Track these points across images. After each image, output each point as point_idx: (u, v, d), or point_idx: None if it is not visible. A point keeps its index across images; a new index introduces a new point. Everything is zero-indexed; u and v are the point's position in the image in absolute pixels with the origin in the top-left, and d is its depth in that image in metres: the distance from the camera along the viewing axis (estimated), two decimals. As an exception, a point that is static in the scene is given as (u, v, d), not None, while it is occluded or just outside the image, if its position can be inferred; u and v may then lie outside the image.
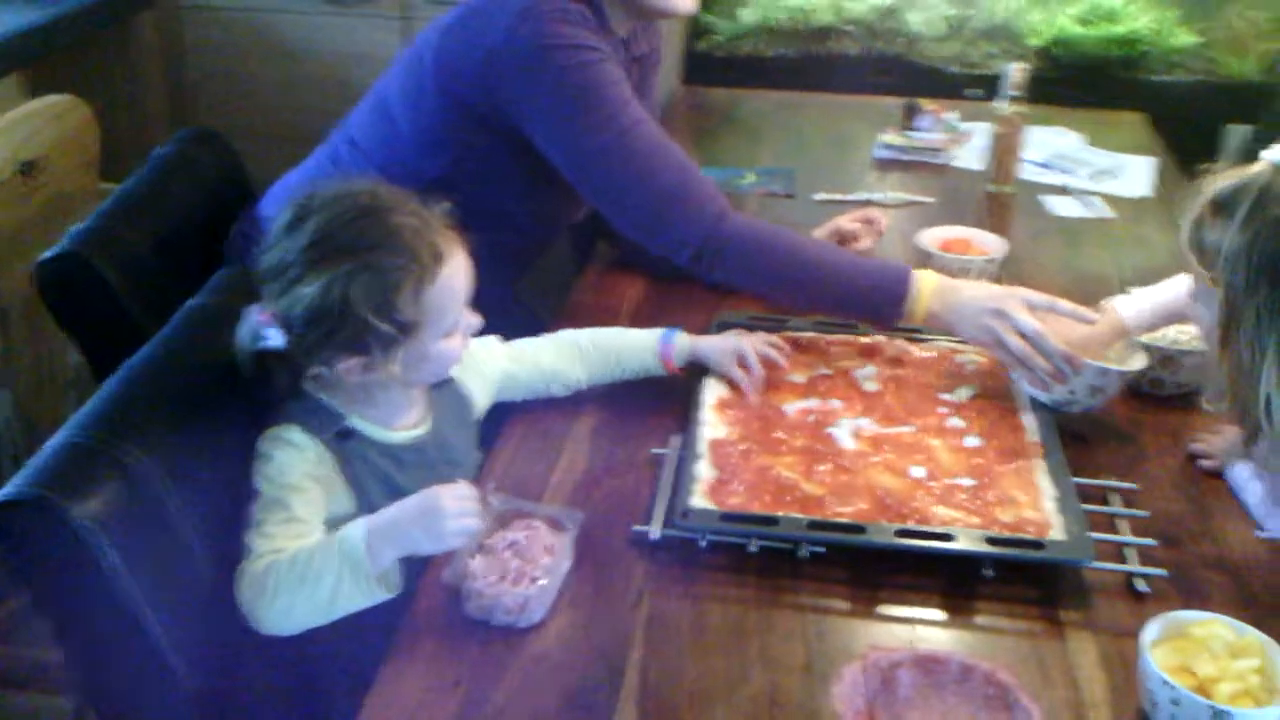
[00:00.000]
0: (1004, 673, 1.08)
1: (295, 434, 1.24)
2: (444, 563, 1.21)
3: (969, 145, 2.45)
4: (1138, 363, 1.49)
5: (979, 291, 1.53)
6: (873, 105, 2.72)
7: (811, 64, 2.97)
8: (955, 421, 1.46)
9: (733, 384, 1.51)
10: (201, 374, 1.31)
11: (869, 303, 1.57)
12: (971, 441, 1.42)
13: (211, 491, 1.24)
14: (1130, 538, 1.30)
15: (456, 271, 1.25)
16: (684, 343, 1.52)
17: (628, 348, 1.53)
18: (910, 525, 1.26)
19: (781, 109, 2.75)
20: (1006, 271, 1.89)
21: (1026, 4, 2.90)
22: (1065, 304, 1.50)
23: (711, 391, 1.50)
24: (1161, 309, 1.50)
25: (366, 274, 1.18)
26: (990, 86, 2.91)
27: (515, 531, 1.24)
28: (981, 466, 1.37)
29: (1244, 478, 1.38)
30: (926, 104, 2.54)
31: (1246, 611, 1.18)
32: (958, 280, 1.58)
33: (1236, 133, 2.96)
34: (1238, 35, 2.87)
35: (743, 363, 1.50)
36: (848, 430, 1.43)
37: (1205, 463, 1.43)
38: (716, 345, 1.52)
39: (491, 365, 1.48)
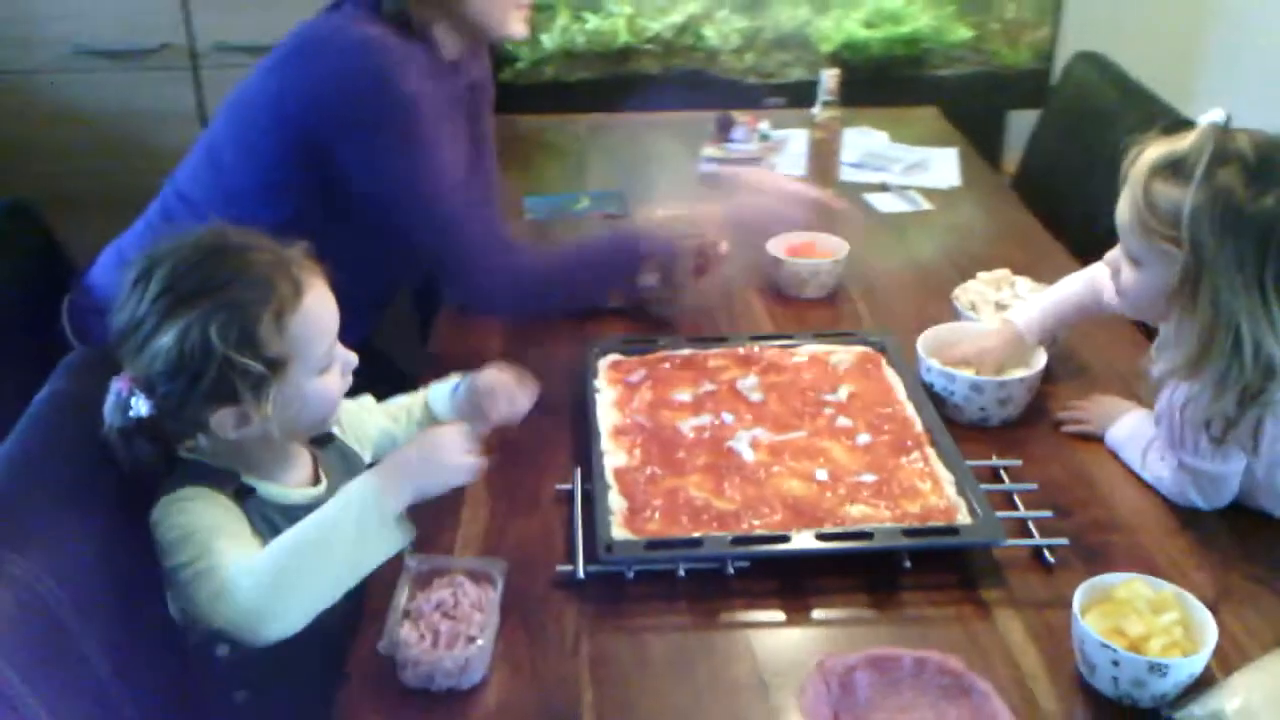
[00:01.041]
0: (953, 660, 1.10)
1: (194, 490, 1.16)
2: (371, 636, 1.16)
3: (785, 152, 2.52)
4: (1038, 364, 1.55)
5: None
6: (684, 121, 2.76)
7: (615, 85, 2.99)
8: (844, 421, 1.49)
9: (622, 406, 1.51)
10: (71, 464, 1.20)
11: (630, 267, 1.72)
12: (863, 438, 1.45)
13: (100, 586, 1.14)
14: (1028, 512, 1.35)
15: (320, 301, 1.19)
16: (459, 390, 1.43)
17: (443, 391, 1.45)
18: (829, 529, 1.28)
19: (595, 132, 2.75)
20: (849, 270, 1.95)
21: (813, 13, 3.00)
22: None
23: (605, 418, 1.49)
24: (1052, 312, 1.58)
25: (223, 312, 1.12)
26: (790, 95, 3.03)
27: (439, 591, 1.19)
28: (879, 461, 1.41)
29: (1124, 435, 1.45)
30: (738, 116, 2.60)
31: (1147, 566, 1.25)
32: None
33: (1019, 119, 3.16)
34: (1009, 26, 3.06)
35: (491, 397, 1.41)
36: (746, 442, 1.44)
37: (1075, 427, 1.51)
38: (472, 390, 1.41)
39: (370, 424, 1.42)
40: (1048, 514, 1.35)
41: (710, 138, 2.57)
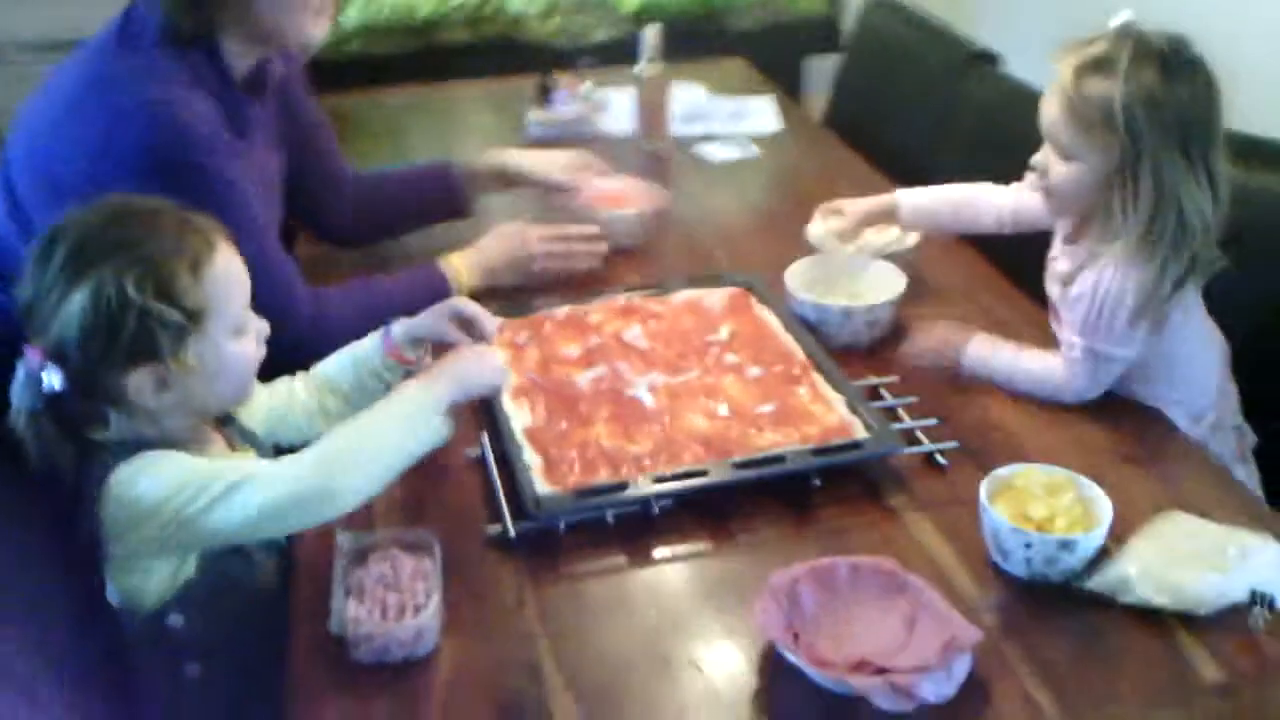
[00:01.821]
0: (885, 562, 1.17)
1: (148, 455, 1.12)
2: (308, 620, 1.14)
3: (610, 111, 2.56)
4: (899, 285, 1.63)
5: (497, 247, 1.75)
6: (500, 89, 2.76)
7: (424, 57, 2.96)
8: (731, 358, 1.54)
9: (514, 367, 1.51)
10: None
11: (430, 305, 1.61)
12: (754, 371, 1.51)
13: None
14: (914, 422, 1.44)
15: (231, 258, 1.18)
16: (399, 329, 1.42)
17: (357, 355, 1.42)
18: (744, 458, 1.34)
19: (411, 107, 2.71)
20: (701, 218, 2.00)
21: (609, -28, 3.05)
22: (573, 229, 1.80)
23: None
24: (936, 199, 1.74)
25: (139, 265, 1.10)
26: (599, 55, 3.07)
27: (376, 565, 1.18)
28: (772, 391, 1.47)
29: (986, 351, 1.53)
30: (559, 79, 2.61)
31: (1030, 458, 1.35)
32: (477, 245, 1.76)
33: (811, 65, 3.30)
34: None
35: (458, 321, 1.42)
36: (644, 388, 1.48)
37: (928, 360, 1.55)
38: (429, 313, 1.43)
39: (255, 405, 1.38)
40: (932, 421, 1.44)
41: (532, 102, 2.57)
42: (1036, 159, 1.48)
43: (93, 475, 1.11)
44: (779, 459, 1.33)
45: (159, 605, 1.15)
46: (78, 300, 1.09)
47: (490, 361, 1.30)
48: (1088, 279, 1.42)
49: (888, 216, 1.77)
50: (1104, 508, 1.21)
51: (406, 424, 1.18)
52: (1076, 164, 1.42)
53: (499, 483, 1.34)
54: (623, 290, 1.72)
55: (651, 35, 2.28)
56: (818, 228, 1.83)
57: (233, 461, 1.19)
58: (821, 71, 3.30)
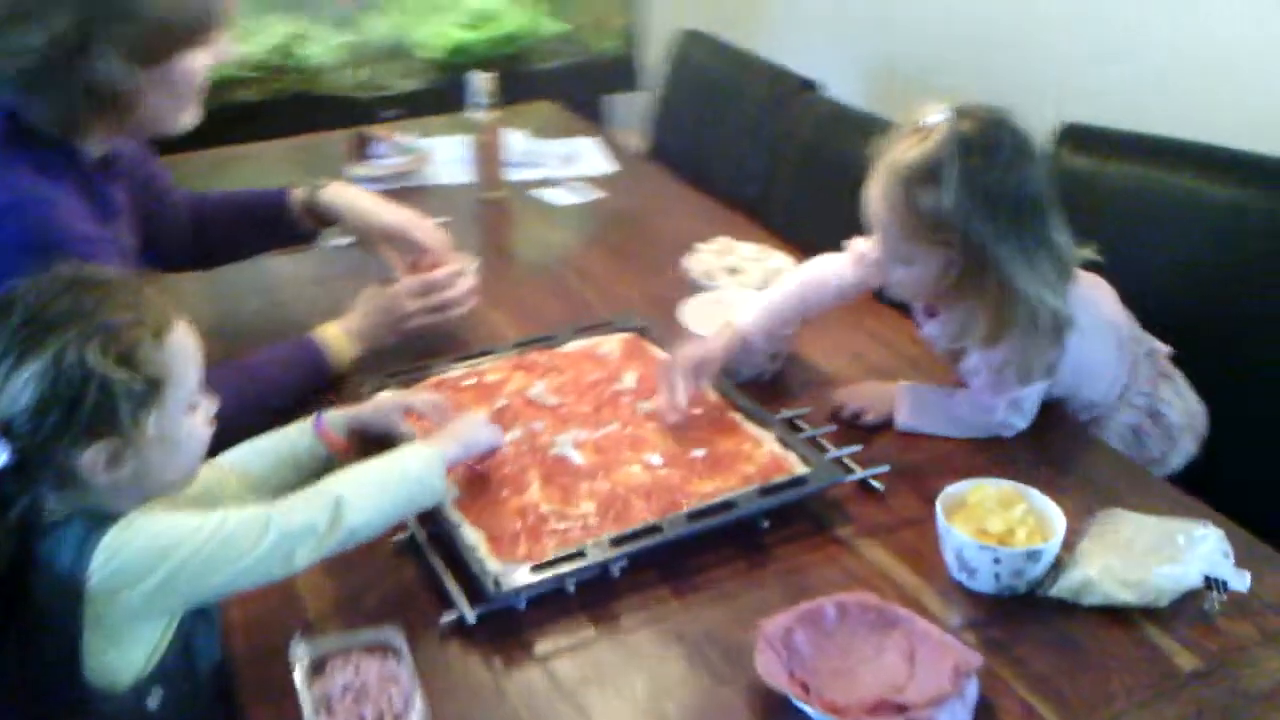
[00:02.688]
0: (868, 597, 1.16)
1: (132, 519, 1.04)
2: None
3: (438, 161, 2.48)
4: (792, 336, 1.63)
5: (367, 311, 1.65)
6: (307, 146, 2.63)
7: (221, 119, 2.78)
8: (645, 405, 1.51)
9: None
10: None
11: (309, 381, 1.58)
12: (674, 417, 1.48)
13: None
14: (840, 450, 1.44)
15: (188, 332, 1.11)
16: (337, 415, 1.38)
17: (278, 443, 1.34)
18: (696, 506, 1.30)
19: (220, 168, 2.54)
20: (562, 264, 1.96)
21: (407, 20, 2.96)
22: (439, 274, 1.69)
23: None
24: (773, 311, 1.58)
25: (100, 332, 1.02)
26: (404, 105, 2.98)
27: (340, 674, 1.08)
28: (698, 435, 1.44)
29: (913, 410, 1.51)
30: (375, 131, 2.52)
31: (959, 471, 1.38)
32: (347, 314, 1.65)
33: (619, 100, 3.31)
34: (598, 17, 3.19)
35: (411, 414, 1.42)
36: (569, 445, 1.42)
37: (868, 419, 1.52)
38: (377, 405, 1.42)
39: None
40: (857, 448, 1.45)
41: (348, 157, 2.47)
42: (873, 257, 1.47)
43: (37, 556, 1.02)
44: (729, 504, 1.31)
45: (136, 683, 1.05)
46: (33, 369, 1.00)
47: (483, 423, 1.36)
48: (973, 358, 1.44)
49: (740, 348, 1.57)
50: (1056, 515, 1.24)
51: (416, 480, 1.20)
52: (915, 267, 1.41)
53: (441, 566, 1.25)
54: (512, 345, 1.66)
55: (483, 81, 2.22)
56: (699, 263, 1.82)
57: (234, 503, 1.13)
58: (624, 108, 3.33)
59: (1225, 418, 1.64)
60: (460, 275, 1.70)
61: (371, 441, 1.37)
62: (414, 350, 1.67)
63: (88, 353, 1.01)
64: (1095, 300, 1.52)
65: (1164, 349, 1.61)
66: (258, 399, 1.47)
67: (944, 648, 1.09)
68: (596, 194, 2.34)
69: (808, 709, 1.04)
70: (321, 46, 2.87)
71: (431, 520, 1.30)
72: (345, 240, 2.10)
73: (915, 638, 1.11)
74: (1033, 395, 1.47)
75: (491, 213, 2.29)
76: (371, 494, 1.15)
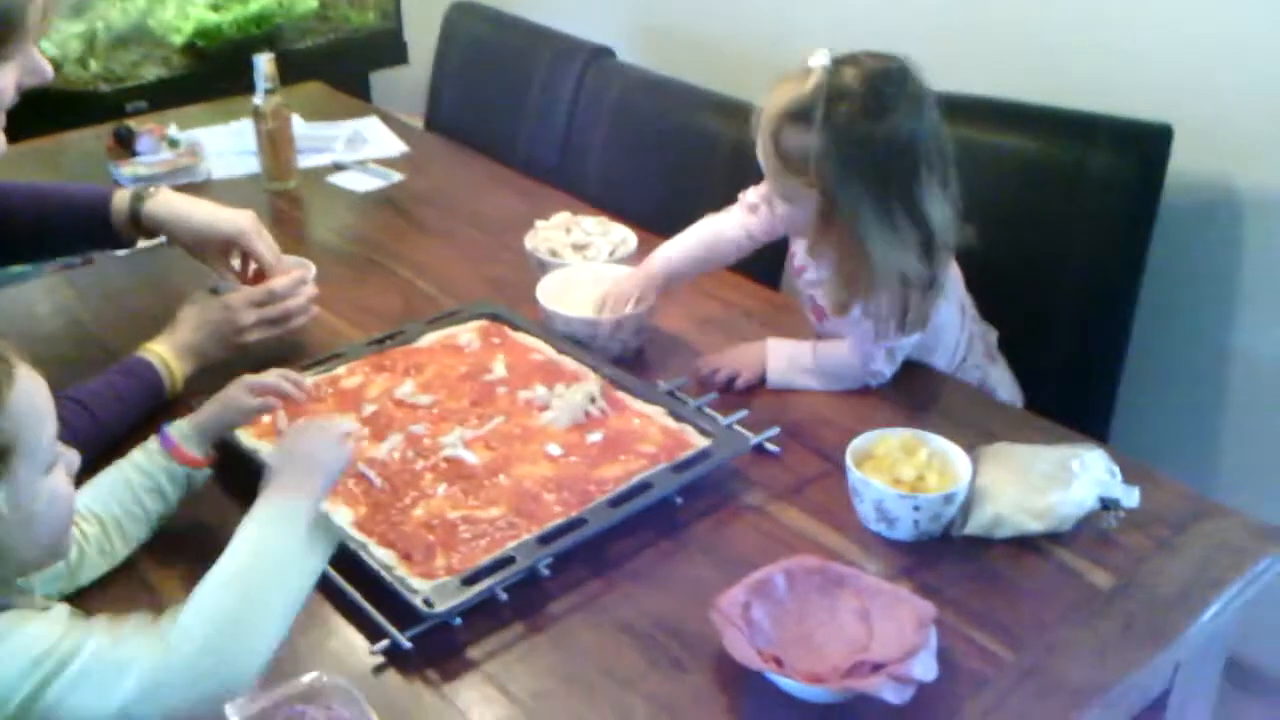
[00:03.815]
0: (809, 559, 1.16)
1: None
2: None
3: (213, 154, 2.29)
4: (651, 307, 1.60)
5: (197, 323, 1.51)
6: (51, 148, 2.37)
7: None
8: (525, 394, 1.45)
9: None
10: None
11: (147, 407, 1.43)
12: (557, 402, 1.43)
13: None
14: (728, 418, 1.43)
15: (36, 385, 0.95)
16: (183, 426, 1.26)
17: (126, 475, 1.22)
18: (615, 492, 1.26)
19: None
20: (397, 257, 1.86)
21: (150, 3, 2.71)
22: (278, 283, 1.56)
23: (293, 479, 1.29)
24: (687, 257, 1.62)
25: None
26: (150, 96, 2.73)
27: (285, 730, 0.98)
28: (591, 419, 1.40)
29: (783, 367, 1.51)
30: (138, 125, 2.30)
31: (850, 427, 1.40)
32: (174, 326, 1.50)
33: (382, 77, 3.16)
34: (352, -9, 3.04)
35: (258, 390, 1.30)
36: (460, 446, 1.35)
37: (741, 381, 1.51)
38: (221, 398, 1.29)
39: None
40: (744, 413, 1.45)
41: (112, 156, 2.25)
42: (762, 191, 1.51)
43: None
44: (646, 485, 1.27)
45: None
46: None
47: (331, 433, 1.15)
48: (859, 307, 1.43)
49: (651, 285, 1.60)
50: (958, 455, 1.28)
51: (305, 546, 1.02)
52: (789, 204, 1.44)
53: (355, 594, 1.16)
54: (363, 345, 1.55)
55: (266, 64, 2.06)
56: (543, 241, 1.76)
57: (86, 624, 0.94)
58: (390, 84, 3.19)
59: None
60: (301, 283, 1.57)
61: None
62: (251, 363, 1.52)
63: None
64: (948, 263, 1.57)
65: (993, 332, 1.69)
66: (100, 436, 1.32)
67: (897, 600, 1.10)
68: (395, 176, 2.22)
69: (786, 681, 1.03)
70: (53, 37, 2.59)
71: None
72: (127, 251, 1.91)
73: (866, 595, 1.12)
74: (906, 346, 1.50)
75: (285, 205, 2.14)
76: (264, 595, 0.97)
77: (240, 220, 1.58)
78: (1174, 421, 2.07)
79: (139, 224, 1.57)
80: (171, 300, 1.56)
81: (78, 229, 1.61)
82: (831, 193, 1.35)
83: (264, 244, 1.57)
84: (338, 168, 2.26)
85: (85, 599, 1.14)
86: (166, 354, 1.46)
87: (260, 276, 1.58)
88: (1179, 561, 1.22)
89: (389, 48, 3.06)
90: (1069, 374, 1.85)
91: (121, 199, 1.58)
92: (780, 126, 1.36)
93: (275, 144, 2.12)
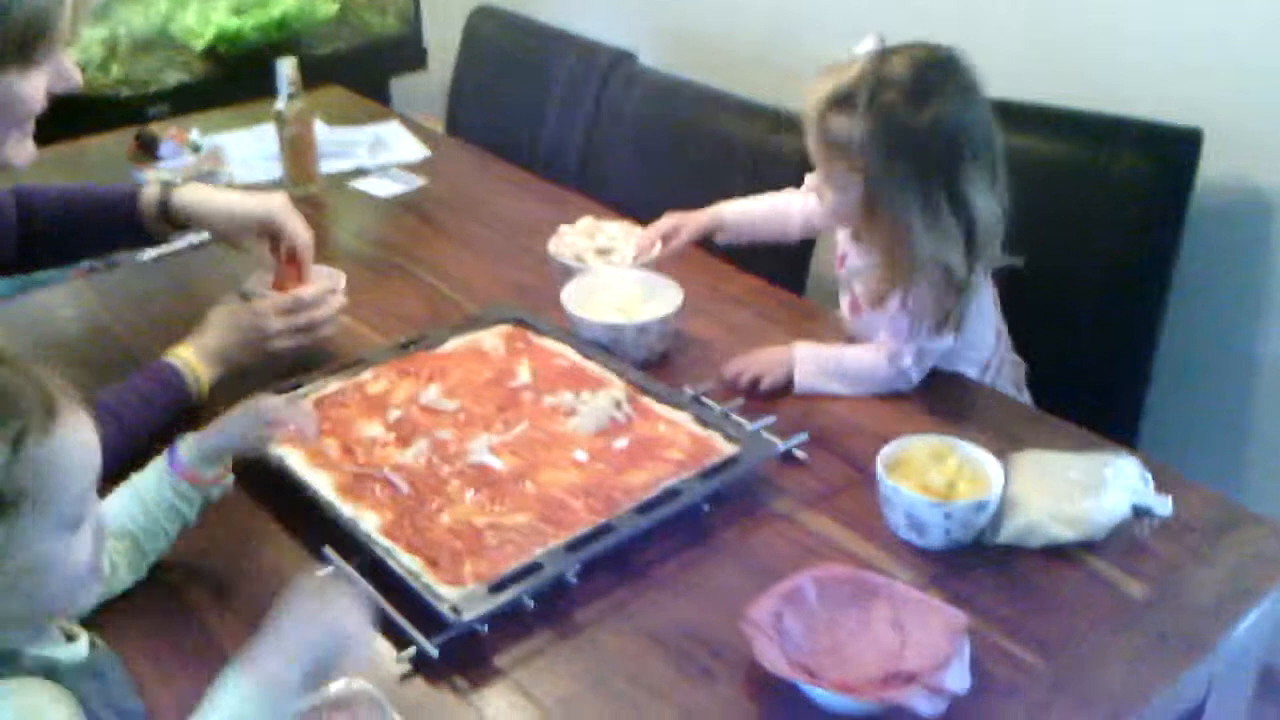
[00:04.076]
0: (838, 568, 1.15)
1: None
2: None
3: (236, 160, 2.30)
4: (676, 296, 1.58)
5: (225, 329, 1.49)
6: (72, 153, 2.37)
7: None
8: (550, 400, 1.44)
9: (319, 465, 1.31)
10: None
11: (173, 412, 1.41)
12: (583, 409, 1.42)
13: None
14: (755, 424, 1.42)
15: (77, 438, 0.88)
16: (190, 446, 1.21)
17: (141, 493, 1.19)
18: (644, 499, 1.25)
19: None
20: (417, 259, 1.86)
21: (171, 7, 2.72)
22: (306, 291, 1.55)
23: (318, 482, 1.29)
24: (756, 213, 1.71)
25: None
26: (173, 102, 2.74)
27: (313, 739, 0.97)
28: (617, 424, 1.39)
29: (812, 370, 1.50)
30: (160, 130, 2.31)
31: (878, 436, 1.38)
32: (201, 331, 1.49)
33: (401, 82, 3.17)
34: (372, -3, 3.04)
35: (270, 422, 1.25)
36: (484, 452, 1.34)
37: (764, 385, 1.50)
38: (231, 426, 1.23)
39: None
40: (771, 419, 1.44)
41: (134, 161, 2.26)
42: (810, 181, 1.52)
43: None
44: (675, 492, 1.26)
45: None
46: None
47: (356, 625, 0.94)
48: (896, 299, 1.43)
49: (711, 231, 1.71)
50: (989, 462, 1.27)
51: None
52: (835, 191, 1.45)
53: (382, 601, 1.15)
54: (387, 350, 1.55)
55: (288, 68, 2.06)
56: (567, 246, 1.75)
57: None
58: (410, 89, 3.19)
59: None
60: (331, 292, 1.57)
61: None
62: (277, 369, 1.53)
63: None
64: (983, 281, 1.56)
65: (1024, 365, 1.68)
66: (126, 443, 1.31)
67: (929, 610, 1.09)
68: (418, 180, 2.22)
69: (819, 692, 1.02)
70: (75, 42, 2.60)
71: (356, 550, 1.20)
72: (156, 253, 1.92)
73: (898, 604, 1.11)
74: (936, 351, 1.49)
75: (308, 209, 2.11)
76: None
77: (271, 201, 1.58)
78: (1201, 428, 2.05)
79: (169, 217, 1.57)
80: (195, 305, 1.56)
81: (106, 228, 1.61)
82: (875, 179, 1.36)
83: (298, 224, 1.57)
84: (361, 173, 2.26)
85: (113, 610, 1.14)
86: (193, 359, 1.46)
87: (294, 259, 1.57)
88: (1213, 571, 1.20)
89: (408, 53, 3.06)
90: (1095, 381, 1.84)
91: (149, 194, 1.59)
92: (826, 112, 1.38)
93: (297, 149, 2.12)
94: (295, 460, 1.33)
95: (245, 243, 1.60)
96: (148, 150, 2.28)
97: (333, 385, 1.47)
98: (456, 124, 2.71)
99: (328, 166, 2.25)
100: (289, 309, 1.54)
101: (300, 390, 1.45)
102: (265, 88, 2.67)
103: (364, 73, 3.02)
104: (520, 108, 2.51)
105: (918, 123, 1.34)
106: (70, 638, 0.95)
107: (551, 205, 2.06)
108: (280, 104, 2.08)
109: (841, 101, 1.37)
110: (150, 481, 1.19)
